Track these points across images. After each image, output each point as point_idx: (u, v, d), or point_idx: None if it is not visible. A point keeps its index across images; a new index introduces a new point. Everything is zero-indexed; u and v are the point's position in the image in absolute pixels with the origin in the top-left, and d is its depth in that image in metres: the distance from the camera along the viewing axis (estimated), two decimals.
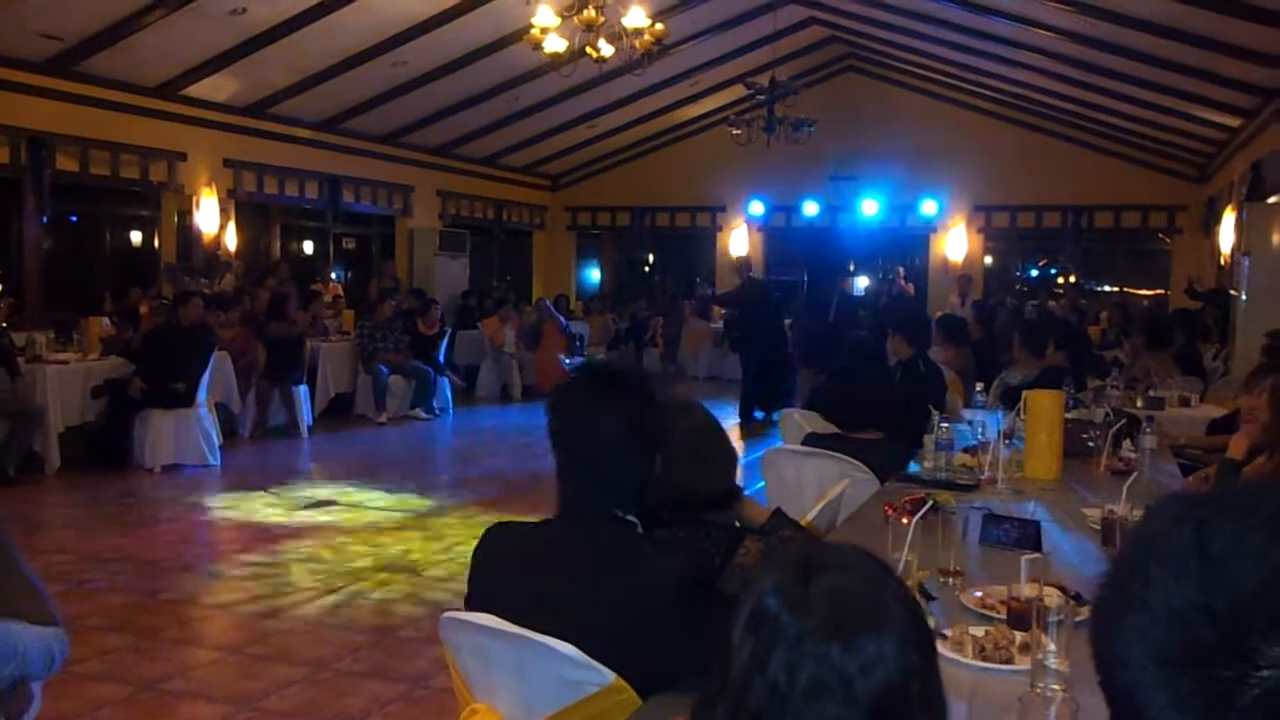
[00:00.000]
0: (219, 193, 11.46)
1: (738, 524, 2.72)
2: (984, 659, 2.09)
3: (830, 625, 1.01)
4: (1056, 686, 1.87)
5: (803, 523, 3.10)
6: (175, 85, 10.62)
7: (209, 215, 11.37)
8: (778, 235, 17.51)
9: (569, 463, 2.14)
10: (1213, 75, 9.61)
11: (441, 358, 11.93)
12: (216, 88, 10.92)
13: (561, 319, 13.74)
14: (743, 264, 13.88)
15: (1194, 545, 0.74)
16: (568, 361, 12.19)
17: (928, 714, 1.03)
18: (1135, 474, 3.48)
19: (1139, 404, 6.04)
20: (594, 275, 19.90)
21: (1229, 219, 11.17)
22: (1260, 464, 2.80)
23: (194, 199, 11.28)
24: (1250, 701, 0.68)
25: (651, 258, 20.05)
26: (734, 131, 13.10)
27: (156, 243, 11.82)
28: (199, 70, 10.41)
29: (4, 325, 8.43)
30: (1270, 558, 0.71)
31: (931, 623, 2.21)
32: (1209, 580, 0.72)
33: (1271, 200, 9.49)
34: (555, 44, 8.23)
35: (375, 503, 7.48)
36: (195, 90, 10.81)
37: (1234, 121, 11.02)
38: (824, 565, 1.07)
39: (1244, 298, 8.68)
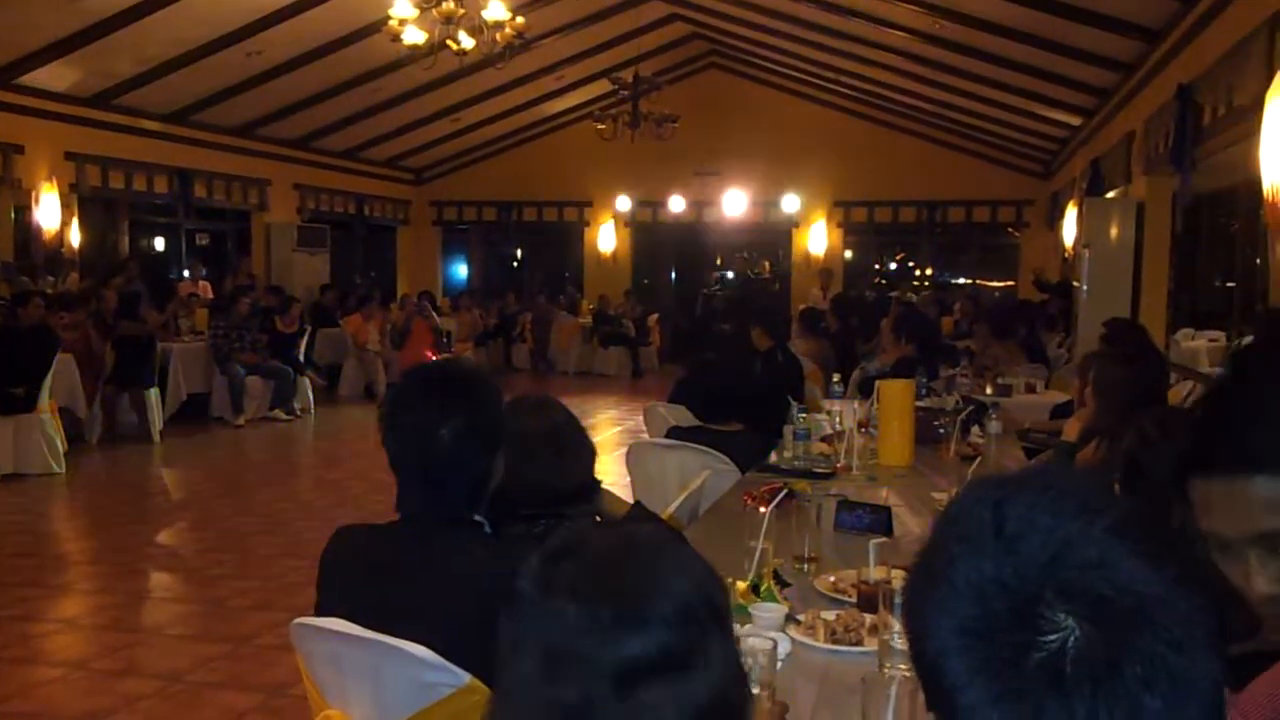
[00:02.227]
0: (60, 187, 10.89)
1: (598, 518, 2.73)
2: (835, 642, 2.15)
3: (593, 605, 1.02)
4: (903, 666, 1.92)
5: (664, 515, 3.12)
6: (10, 73, 10.03)
7: (50, 211, 10.79)
8: (644, 230, 17.63)
9: (408, 469, 2.11)
10: (1056, 76, 10.05)
11: (302, 357, 11.62)
12: (56, 76, 10.37)
13: (435, 316, 13.59)
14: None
15: (990, 524, 0.79)
16: (434, 359, 12.03)
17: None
18: (981, 458, 3.62)
19: (989, 391, 6.29)
20: (461, 271, 19.68)
21: (1071, 213, 11.70)
22: (1091, 449, 2.94)
23: (33, 194, 10.68)
24: (1034, 665, 0.74)
25: (520, 253, 19.94)
26: (599, 126, 13.12)
27: None
28: (37, 57, 9.86)
29: None
30: (1056, 533, 0.77)
31: (786, 608, 2.26)
32: (1002, 555, 0.77)
33: (1110, 195, 9.98)
34: (414, 35, 8.08)
35: (230, 507, 7.24)
36: (32, 79, 10.24)
37: (1075, 120, 11.55)
38: (568, 551, 1.09)
39: (1085, 288, 9.09)
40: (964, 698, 0.77)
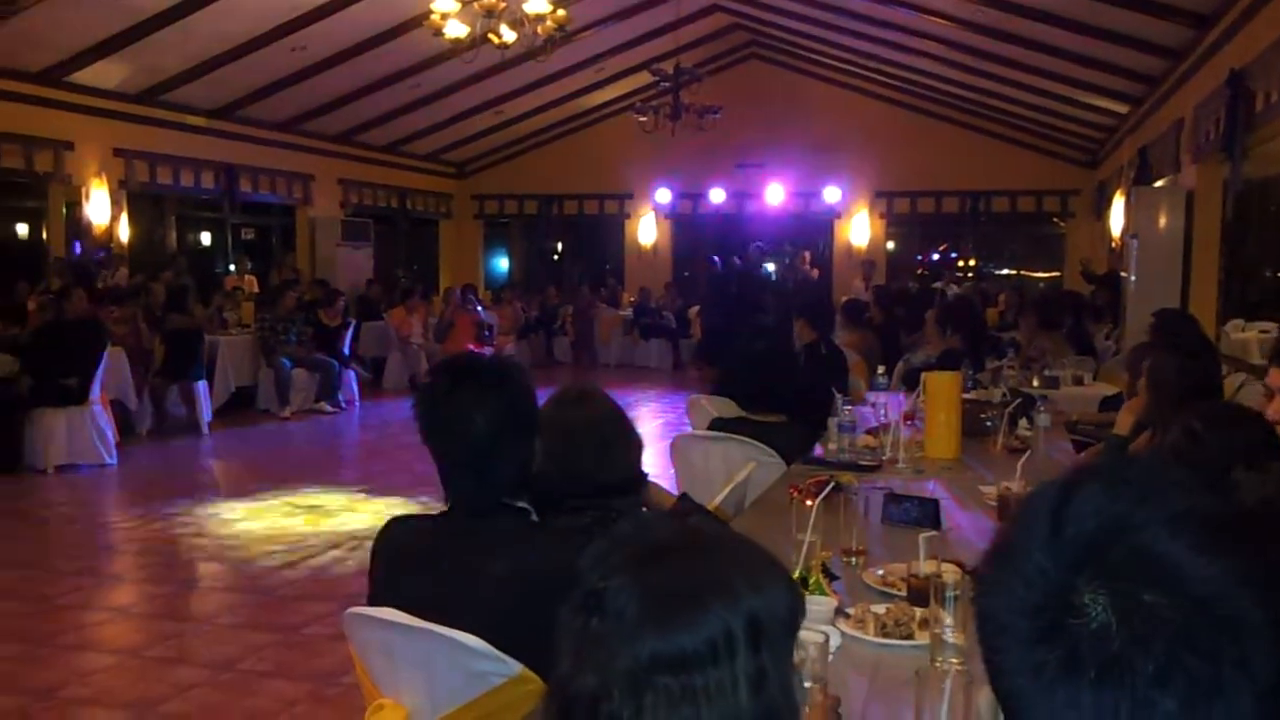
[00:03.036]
0: (110, 183, 11.08)
1: (645, 510, 2.74)
2: (885, 636, 2.14)
3: (657, 615, 0.99)
4: (955, 660, 1.91)
5: (710, 507, 3.12)
6: (60, 71, 10.22)
7: (99, 206, 10.99)
8: (685, 222, 17.59)
9: (448, 461, 2.13)
10: (1102, 64, 9.91)
11: (346, 350, 11.74)
12: (104, 74, 10.54)
13: (480, 310, 13.67)
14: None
15: (1050, 510, 0.79)
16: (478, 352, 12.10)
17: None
18: (1030, 451, 3.58)
19: (1036, 383, 6.21)
20: (502, 264, 19.76)
21: (1119, 202, 11.53)
22: (1143, 440, 2.90)
23: (83, 190, 10.88)
24: (1056, 644, 0.75)
25: (560, 246, 19.98)
26: (640, 119, 13.10)
27: (44, 235, 11.39)
28: (85, 55, 10.03)
29: None
30: (1103, 515, 0.77)
31: (835, 601, 2.26)
32: (1048, 537, 0.78)
33: (1158, 184, 9.82)
34: (456, 29, 8.11)
35: (278, 497, 7.32)
36: (82, 76, 10.41)
37: (1122, 108, 11.38)
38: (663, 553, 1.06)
39: (1133, 279, 8.96)
40: (998, 665, 0.80)
